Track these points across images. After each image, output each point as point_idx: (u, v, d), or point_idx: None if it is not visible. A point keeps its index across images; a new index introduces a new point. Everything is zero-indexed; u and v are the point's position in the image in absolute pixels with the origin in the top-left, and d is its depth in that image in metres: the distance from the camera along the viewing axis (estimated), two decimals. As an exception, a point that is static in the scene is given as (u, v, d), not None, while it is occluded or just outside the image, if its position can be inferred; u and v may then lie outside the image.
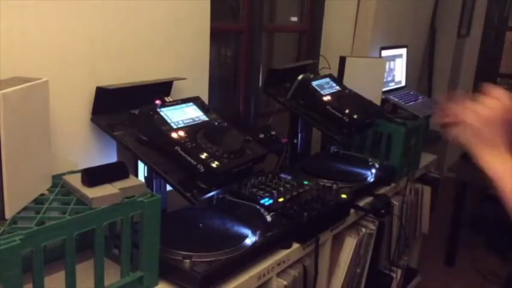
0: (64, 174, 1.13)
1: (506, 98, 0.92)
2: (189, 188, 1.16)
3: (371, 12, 2.56)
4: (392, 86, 2.63)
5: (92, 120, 1.28)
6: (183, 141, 1.19)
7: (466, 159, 2.54)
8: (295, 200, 1.46)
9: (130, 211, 1.03)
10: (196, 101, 1.39)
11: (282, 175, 1.66)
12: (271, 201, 1.44)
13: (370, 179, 1.81)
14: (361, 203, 1.67)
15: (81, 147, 1.29)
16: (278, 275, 1.31)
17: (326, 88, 1.88)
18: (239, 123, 1.71)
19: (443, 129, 0.97)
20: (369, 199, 1.72)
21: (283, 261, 1.31)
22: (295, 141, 1.95)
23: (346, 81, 2.09)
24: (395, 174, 1.97)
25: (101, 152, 1.34)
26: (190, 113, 1.33)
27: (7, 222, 0.90)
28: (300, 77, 1.85)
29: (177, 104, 1.32)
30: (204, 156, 1.17)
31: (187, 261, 1.09)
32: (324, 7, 2.50)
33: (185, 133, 1.22)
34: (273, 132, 1.72)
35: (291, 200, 1.45)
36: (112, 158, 1.36)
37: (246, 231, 1.27)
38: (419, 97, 2.63)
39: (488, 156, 0.91)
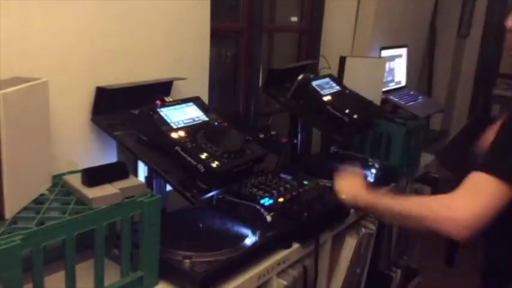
0: (64, 174, 1.13)
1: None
2: (189, 188, 1.16)
3: (371, 12, 2.55)
4: (392, 86, 2.63)
5: (92, 120, 1.28)
6: (183, 141, 1.19)
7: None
8: (295, 200, 1.46)
9: (130, 211, 1.03)
10: (196, 101, 1.39)
11: (282, 175, 1.66)
12: (271, 201, 1.44)
13: (370, 179, 1.81)
14: (361, 203, 1.67)
15: (81, 147, 1.29)
16: (278, 275, 1.31)
17: (326, 88, 1.88)
18: (239, 123, 1.71)
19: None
20: (369, 199, 1.71)
21: (283, 261, 1.31)
22: (295, 141, 1.95)
23: (346, 81, 2.09)
24: (395, 174, 1.97)
25: (101, 152, 1.34)
26: (190, 113, 1.33)
27: (7, 222, 0.90)
28: (300, 77, 1.85)
29: (177, 104, 1.32)
30: (204, 156, 1.17)
31: (187, 261, 1.09)
32: (324, 7, 2.50)
33: (185, 133, 1.22)
34: (273, 132, 1.73)
35: (291, 200, 1.45)
36: (112, 158, 1.36)
37: (246, 231, 1.27)
38: (419, 97, 2.63)
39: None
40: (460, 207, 0.94)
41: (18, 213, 0.95)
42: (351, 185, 1.35)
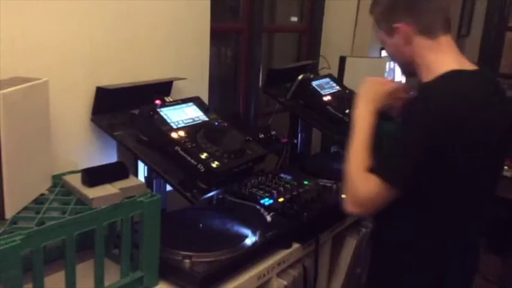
0: (64, 174, 1.13)
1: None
2: (189, 188, 1.16)
3: (371, 12, 2.55)
4: (392, 86, 2.63)
5: (92, 120, 1.28)
6: (183, 141, 1.19)
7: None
8: (295, 200, 1.46)
9: (130, 211, 1.03)
10: (196, 101, 1.39)
11: (282, 175, 1.66)
12: (271, 201, 1.44)
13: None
14: (361, 203, 1.66)
15: (81, 147, 1.29)
16: (278, 275, 1.31)
17: (326, 88, 1.88)
18: (239, 123, 1.71)
19: None
20: (368, 199, 1.71)
21: (283, 261, 1.31)
22: (295, 141, 1.95)
23: (346, 81, 2.09)
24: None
25: (101, 152, 1.34)
26: (190, 113, 1.33)
27: (7, 222, 0.90)
28: (300, 77, 1.85)
29: (177, 104, 1.32)
30: (204, 156, 1.17)
31: (187, 261, 1.09)
32: (324, 7, 2.50)
33: (185, 133, 1.22)
34: (273, 132, 1.73)
35: (291, 200, 1.45)
36: (112, 158, 1.36)
37: (246, 231, 1.27)
38: (420, 97, 2.63)
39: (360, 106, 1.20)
40: (358, 191, 1.05)
41: (18, 213, 0.95)
42: (371, 92, 1.19)
